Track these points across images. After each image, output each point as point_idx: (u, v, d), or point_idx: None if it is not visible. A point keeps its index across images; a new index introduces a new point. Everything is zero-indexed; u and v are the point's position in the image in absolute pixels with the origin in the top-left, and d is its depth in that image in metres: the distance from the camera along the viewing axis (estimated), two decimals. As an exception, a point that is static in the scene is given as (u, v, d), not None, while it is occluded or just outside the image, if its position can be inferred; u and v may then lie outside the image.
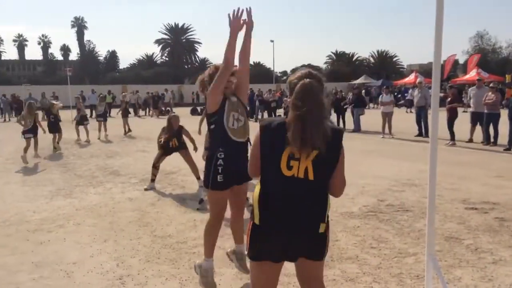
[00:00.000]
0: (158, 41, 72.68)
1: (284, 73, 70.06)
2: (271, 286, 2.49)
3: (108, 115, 28.67)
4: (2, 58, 76.46)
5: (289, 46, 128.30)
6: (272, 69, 57.03)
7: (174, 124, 7.70)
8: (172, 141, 7.65)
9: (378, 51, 72.97)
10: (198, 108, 30.27)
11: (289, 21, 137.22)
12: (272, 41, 49.20)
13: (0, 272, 4.24)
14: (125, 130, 17.20)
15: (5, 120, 27.82)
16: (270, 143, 2.29)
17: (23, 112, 11.92)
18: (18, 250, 4.85)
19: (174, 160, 10.43)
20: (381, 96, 16.05)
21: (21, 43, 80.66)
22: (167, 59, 72.44)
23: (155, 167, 7.83)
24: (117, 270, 4.26)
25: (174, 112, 10.93)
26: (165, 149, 7.75)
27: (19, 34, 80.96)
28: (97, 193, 7.42)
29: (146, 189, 7.59)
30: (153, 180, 7.80)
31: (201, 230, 5.35)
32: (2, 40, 76.17)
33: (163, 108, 30.92)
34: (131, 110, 23.63)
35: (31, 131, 11.37)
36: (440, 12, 2.98)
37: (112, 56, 76.65)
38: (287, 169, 2.24)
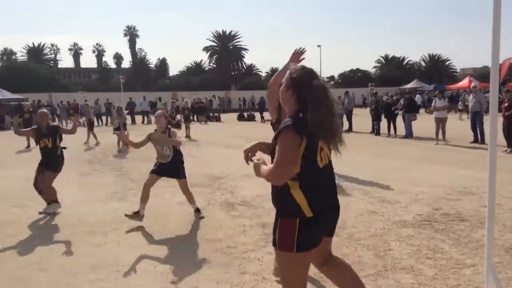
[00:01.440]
0: (206, 48, 73.93)
1: (331, 78, 69.33)
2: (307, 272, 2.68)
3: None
4: (59, 66, 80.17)
5: (336, 51, 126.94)
6: (319, 74, 56.68)
7: (41, 120, 6.81)
8: (44, 140, 6.74)
9: (429, 55, 70.99)
10: (245, 114, 30.56)
11: (337, 26, 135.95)
12: (319, 46, 48.89)
13: (59, 274, 4.43)
14: (186, 134, 18.37)
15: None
16: (308, 144, 2.40)
17: (114, 115, 15.26)
18: (75, 252, 5.04)
19: (221, 164, 10.58)
20: (434, 101, 15.55)
21: (76, 52, 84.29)
22: (214, 65, 73.50)
23: (36, 187, 6.83)
24: (170, 273, 4.34)
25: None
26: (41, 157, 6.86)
27: (74, 43, 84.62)
28: (150, 197, 7.59)
29: (40, 213, 6.63)
30: (49, 203, 6.73)
31: (250, 235, 5.40)
32: (59, 49, 79.83)
33: (211, 114, 31.39)
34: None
35: (118, 129, 14.51)
36: (497, 13, 2.87)
37: (162, 64, 78.67)
38: (320, 161, 2.50)
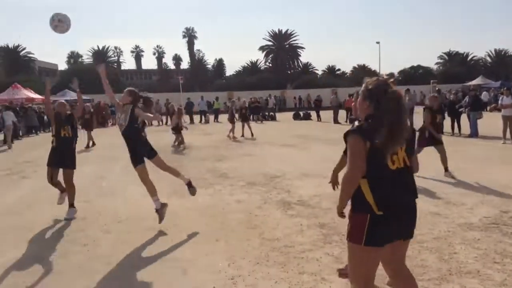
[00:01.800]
0: (262, 48, 74.22)
1: (391, 74, 67.42)
2: (376, 269, 2.84)
3: (216, 120, 30.14)
4: (122, 68, 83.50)
5: (396, 47, 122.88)
6: (377, 71, 55.34)
7: (60, 109, 6.99)
8: (64, 128, 6.82)
9: (495, 50, 67.40)
10: (301, 113, 30.40)
11: (396, 22, 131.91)
12: (378, 42, 47.77)
13: (124, 266, 4.62)
14: (242, 134, 18.48)
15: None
16: (372, 146, 2.62)
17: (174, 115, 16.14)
18: (138, 246, 5.23)
19: (278, 163, 10.58)
20: (501, 98, 14.73)
21: (138, 54, 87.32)
22: (270, 65, 73.65)
23: (53, 184, 6.98)
24: (229, 270, 4.40)
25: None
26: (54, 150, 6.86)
27: (136, 45, 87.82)
28: (208, 195, 7.76)
29: (66, 219, 6.50)
30: (71, 205, 6.73)
31: (307, 235, 5.36)
32: (122, 51, 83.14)
33: (267, 113, 31.50)
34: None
35: (175, 129, 15.67)
36: None
37: (219, 64, 79.84)
38: (392, 163, 2.68)
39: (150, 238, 5.54)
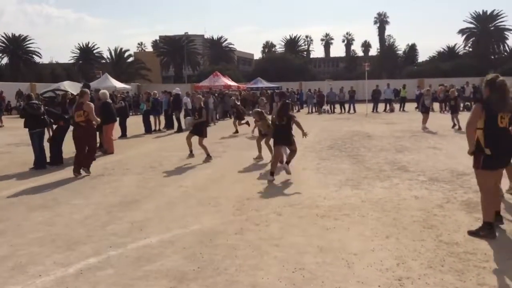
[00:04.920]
0: (462, 31, 67.87)
1: None
2: None
3: (402, 109, 28.72)
4: (311, 56, 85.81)
5: None
6: None
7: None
8: None
9: None
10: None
11: None
12: None
13: (290, 250, 4.69)
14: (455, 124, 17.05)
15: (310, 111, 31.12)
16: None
17: None
18: (307, 232, 5.26)
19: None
20: None
21: (327, 42, 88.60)
22: (470, 49, 66.95)
23: None
24: (397, 270, 4.12)
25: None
26: None
27: (326, 33, 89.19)
28: (383, 187, 7.40)
29: None
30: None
31: (495, 243, 4.69)
32: (312, 40, 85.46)
33: (462, 103, 28.67)
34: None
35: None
36: None
37: (411, 50, 75.60)
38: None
39: (319, 225, 5.51)
